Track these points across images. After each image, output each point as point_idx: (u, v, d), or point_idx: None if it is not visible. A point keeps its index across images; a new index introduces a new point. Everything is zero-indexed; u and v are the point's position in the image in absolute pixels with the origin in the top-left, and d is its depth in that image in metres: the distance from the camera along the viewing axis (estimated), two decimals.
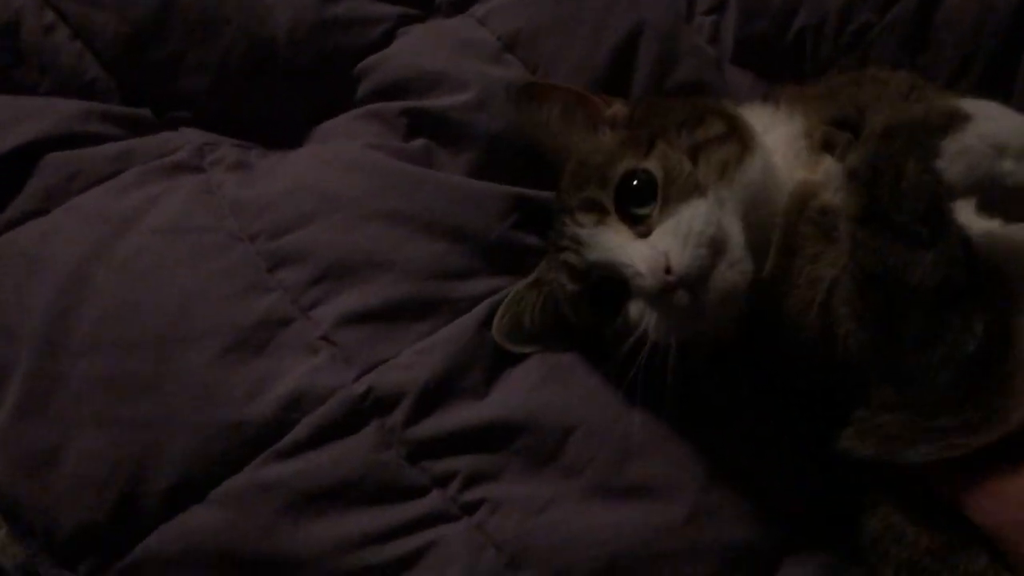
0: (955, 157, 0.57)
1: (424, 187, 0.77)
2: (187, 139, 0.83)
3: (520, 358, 0.74)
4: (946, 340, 0.57)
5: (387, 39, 0.83)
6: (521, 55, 0.82)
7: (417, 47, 0.82)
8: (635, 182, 0.66)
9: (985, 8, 0.78)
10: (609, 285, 0.67)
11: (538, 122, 0.74)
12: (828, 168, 0.67)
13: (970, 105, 0.59)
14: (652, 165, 0.67)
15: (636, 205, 0.66)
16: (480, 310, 0.74)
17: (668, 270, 0.62)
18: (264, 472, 0.69)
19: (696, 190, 0.65)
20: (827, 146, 0.68)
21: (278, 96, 0.84)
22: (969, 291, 0.57)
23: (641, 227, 0.66)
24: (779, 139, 0.70)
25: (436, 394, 0.71)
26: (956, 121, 0.57)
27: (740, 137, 0.68)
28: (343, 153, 0.78)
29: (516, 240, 0.77)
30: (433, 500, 0.70)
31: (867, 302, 0.59)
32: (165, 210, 0.76)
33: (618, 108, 0.75)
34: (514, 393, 0.72)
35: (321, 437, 0.70)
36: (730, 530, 0.69)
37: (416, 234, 0.75)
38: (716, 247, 0.63)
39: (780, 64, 0.83)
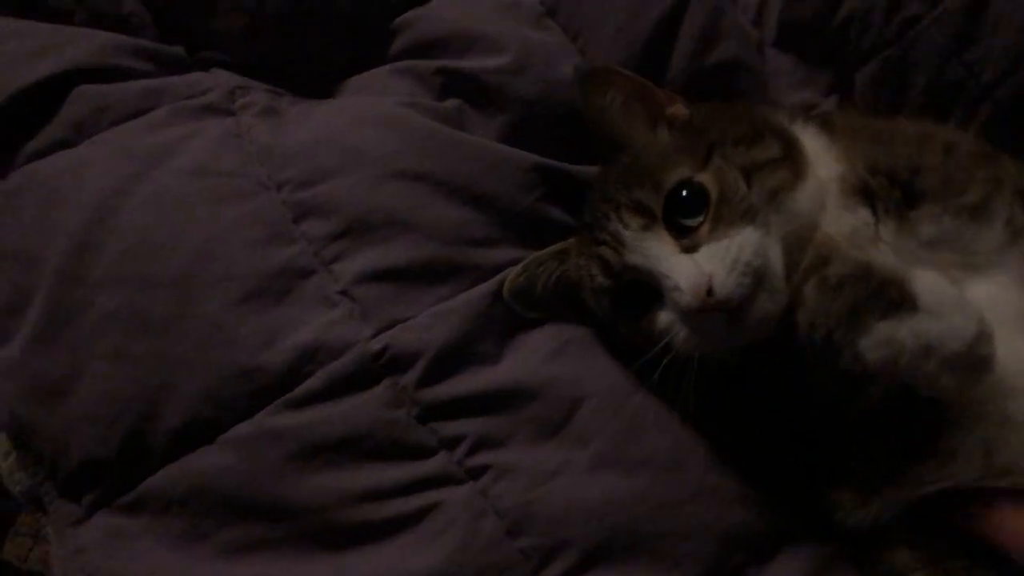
0: (881, 344, 0.59)
1: (455, 150, 0.76)
2: (218, 81, 0.82)
3: (536, 327, 0.74)
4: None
5: None
6: (562, 21, 0.81)
7: (457, 5, 0.81)
8: (687, 193, 0.66)
9: None
10: (640, 288, 0.68)
11: (599, 107, 0.73)
12: (857, 223, 0.67)
13: (927, 292, 0.59)
14: (707, 179, 0.66)
15: (685, 216, 0.66)
16: (500, 279, 0.74)
17: (710, 292, 0.62)
18: (274, 420, 0.70)
19: (748, 215, 0.65)
20: (863, 193, 0.68)
21: (313, 43, 0.83)
22: None
23: (687, 240, 0.66)
24: (825, 173, 0.70)
25: (451, 357, 0.71)
26: (903, 306, 0.59)
27: (794, 162, 0.68)
28: (375, 108, 0.77)
29: (542, 212, 0.77)
30: (439, 462, 0.70)
31: None
32: (193, 151, 0.76)
33: (679, 108, 0.74)
34: (528, 361, 0.72)
35: (333, 390, 0.70)
36: (731, 512, 0.69)
37: (443, 197, 0.75)
38: (759, 277, 0.63)
39: (823, 51, 0.81)
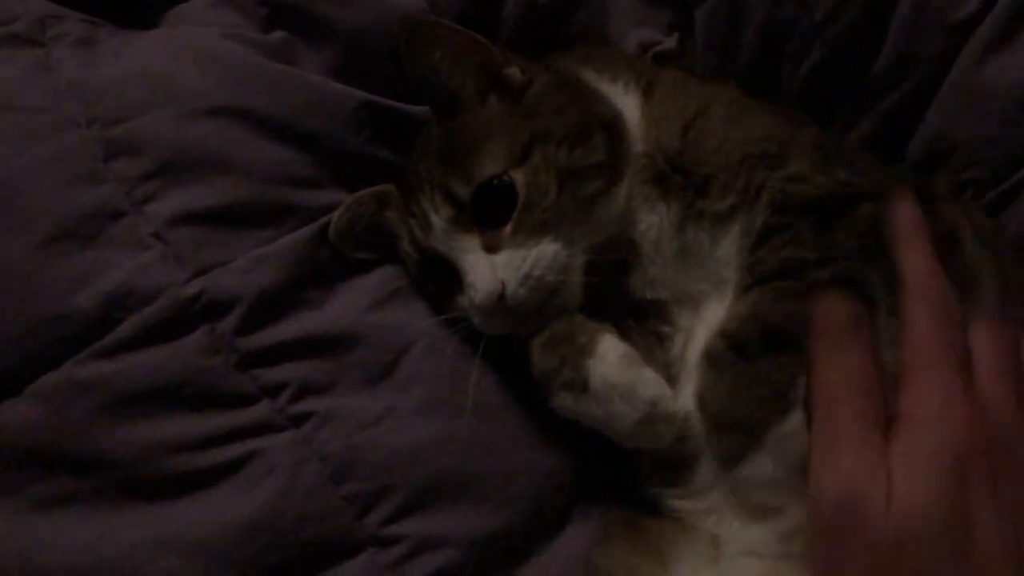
0: (564, 408, 0.64)
1: (278, 85, 0.73)
2: (28, 8, 0.76)
3: (363, 274, 0.72)
4: None
5: None
6: None
7: None
8: (496, 191, 0.65)
9: None
10: (445, 264, 0.68)
11: (427, 66, 0.68)
12: (652, 223, 0.67)
13: (597, 376, 0.62)
14: (519, 178, 0.65)
15: (493, 214, 0.65)
16: (324, 222, 0.71)
17: (502, 296, 0.63)
18: (84, 369, 0.66)
19: (551, 227, 0.64)
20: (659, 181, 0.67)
21: None
22: None
23: (491, 237, 0.65)
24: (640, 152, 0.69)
25: (272, 303, 0.69)
26: (576, 384, 0.63)
27: (615, 163, 0.67)
28: (195, 40, 0.73)
29: (370, 153, 0.74)
30: (260, 410, 0.68)
31: None
32: None
33: (515, 72, 0.70)
34: (353, 307, 0.70)
35: (146, 338, 0.67)
36: (550, 455, 0.69)
37: (263, 135, 0.71)
38: (554, 289, 0.64)
39: None
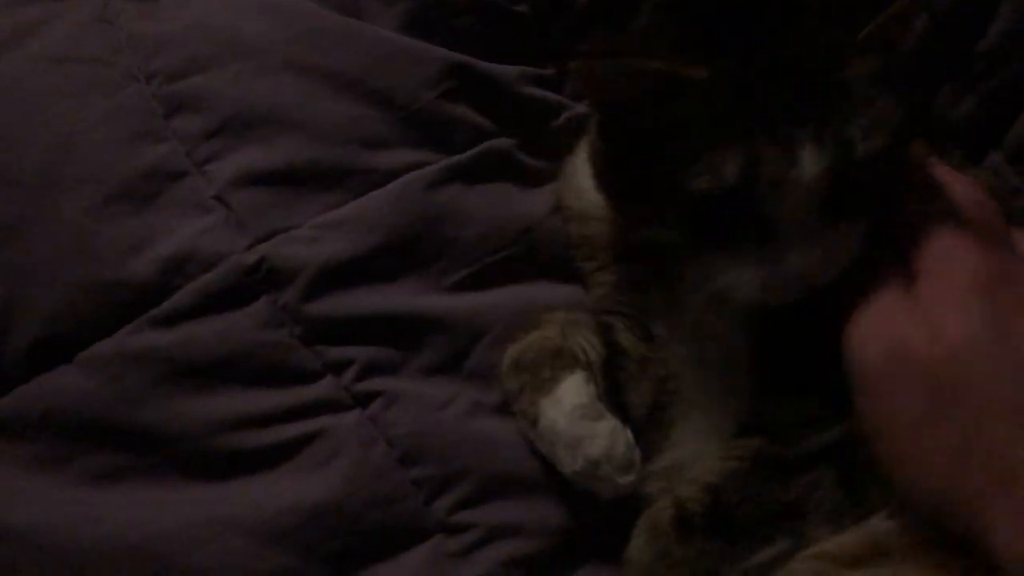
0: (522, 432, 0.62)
1: (348, 40, 0.68)
2: None
3: (446, 246, 0.67)
4: None
5: None
6: None
7: None
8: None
9: None
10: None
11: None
12: None
13: (545, 417, 0.61)
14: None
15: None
16: (396, 186, 0.67)
17: None
18: (138, 338, 0.63)
19: None
20: None
21: None
22: None
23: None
24: None
25: (339, 273, 0.64)
26: (528, 416, 0.61)
27: None
28: None
29: (444, 111, 0.69)
30: (324, 387, 0.64)
31: None
32: (55, 34, 0.69)
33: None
34: (432, 284, 0.66)
35: (205, 307, 0.63)
36: None
37: (332, 92, 0.67)
38: None
39: None
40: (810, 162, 0.51)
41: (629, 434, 0.61)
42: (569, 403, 0.60)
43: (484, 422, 0.64)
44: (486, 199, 0.69)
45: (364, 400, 0.64)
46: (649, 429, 0.64)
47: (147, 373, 0.62)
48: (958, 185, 0.57)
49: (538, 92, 0.72)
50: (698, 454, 0.61)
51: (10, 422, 0.63)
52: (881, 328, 0.53)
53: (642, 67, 0.53)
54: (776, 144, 0.51)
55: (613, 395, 0.65)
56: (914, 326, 0.51)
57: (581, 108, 0.73)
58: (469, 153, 0.69)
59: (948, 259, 0.53)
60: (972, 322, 0.50)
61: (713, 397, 0.62)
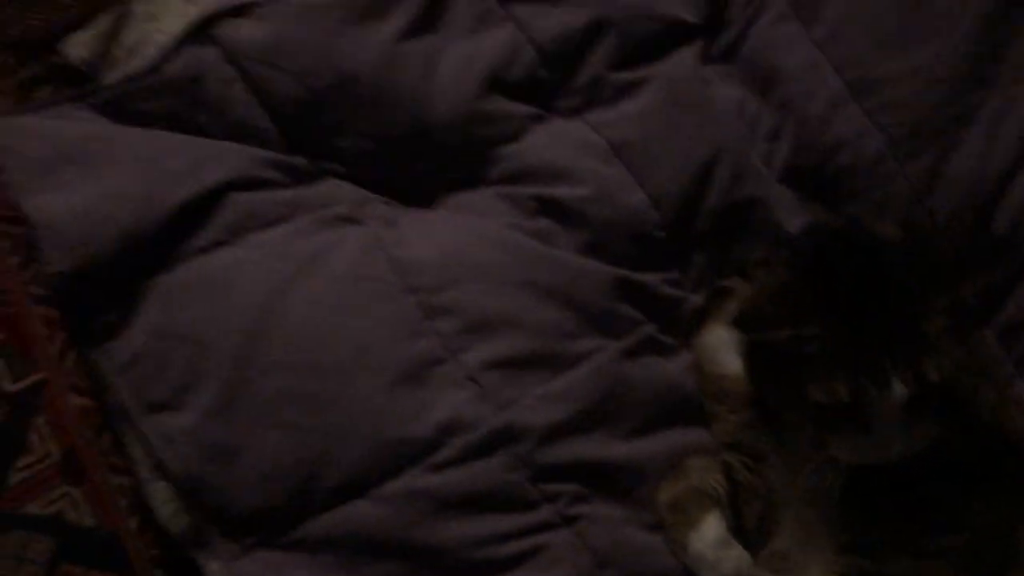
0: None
1: (548, 263, 0.97)
2: (344, 192, 0.99)
3: (619, 411, 0.95)
4: None
5: (520, 133, 1.02)
6: (625, 159, 1.02)
7: (545, 143, 1.01)
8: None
9: None
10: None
11: None
12: None
13: (692, 548, 0.88)
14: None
15: None
16: (586, 365, 0.95)
17: None
18: (418, 480, 0.89)
19: None
20: None
21: (424, 166, 1.01)
22: None
23: None
24: None
25: (556, 431, 0.92)
26: (676, 546, 0.90)
27: None
28: (487, 229, 0.97)
29: (612, 310, 0.98)
30: (544, 512, 0.91)
31: None
32: (341, 258, 0.94)
33: None
34: (617, 434, 0.94)
35: (465, 457, 0.90)
36: None
37: (541, 300, 0.95)
38: None
39: (820, 189, 1.06)
40: (898, 392, 0.81)
41: (749, 556, 0.89)
42: (710, 536, 0.88)
43: (649, 536, 0.92)
44: (644, 370, 0.97)
45: (571, 521, 0.91)
46: (759, 545, 0.91)
47: (421, 505, 0.88)
48: None
49: (672, 291, 1.01)
50: (805, 570, 0.89)
51: (316, 539, 0.88)
52: None
53: (779, 322, 0.83)
54: (876, 378, 0.81)
55: (734, 520, 0.92)
56: None
57: (698, 299, 1.02)
58: (630, 339, 0.98)
59: None
60: None
61: (816, 522, 0.90)
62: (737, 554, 0.88)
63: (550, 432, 0.92)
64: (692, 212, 1.01)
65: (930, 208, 1.03)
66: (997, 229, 1.04)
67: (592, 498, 0.92)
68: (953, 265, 0.91)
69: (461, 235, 0.97)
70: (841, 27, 1.06)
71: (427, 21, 1.01)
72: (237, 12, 0.99)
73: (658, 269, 1.01)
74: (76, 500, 0.96)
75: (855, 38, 1.05)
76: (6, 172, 0.93)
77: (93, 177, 0.92)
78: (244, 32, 0.98)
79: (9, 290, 1.00)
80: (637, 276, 1.00)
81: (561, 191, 0.99)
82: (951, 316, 0.83)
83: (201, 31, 0.98)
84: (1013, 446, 0.91)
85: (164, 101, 0.97)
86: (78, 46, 1.04)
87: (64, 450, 0.97)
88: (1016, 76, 1.05)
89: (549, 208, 0.99)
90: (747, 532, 0.91)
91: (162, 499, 0.92)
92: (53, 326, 0.99)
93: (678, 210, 1.01)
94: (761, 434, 0.93)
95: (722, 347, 0.95)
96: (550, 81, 1.03)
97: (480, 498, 0.89)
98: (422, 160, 1.01)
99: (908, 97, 1.03)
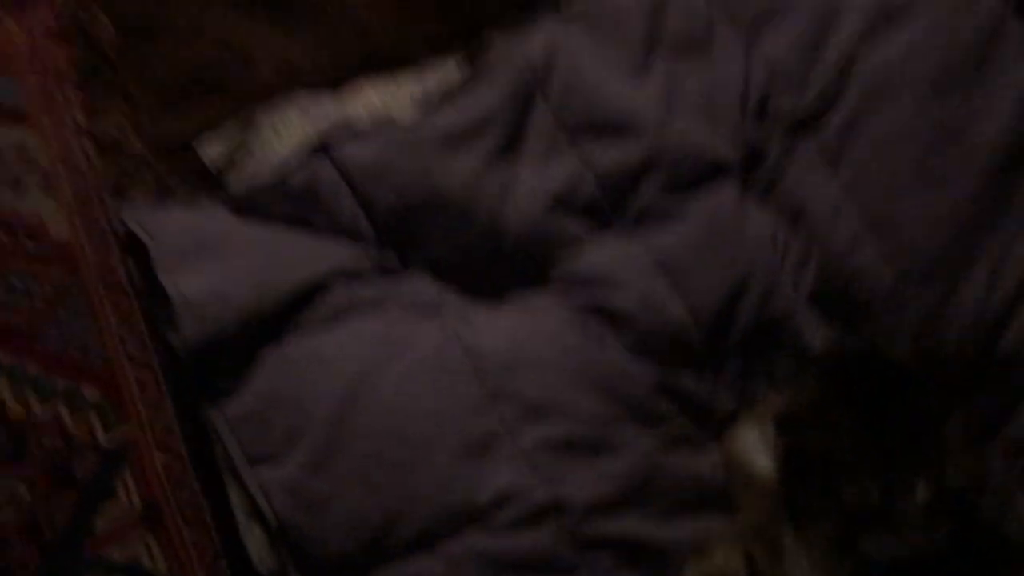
0: None
1: (598, 359, 1.13)
2: (426, 287, 1.17)
3: (659, 493, 1.10)
4: None
5: (578, 246, 1.18)
6: (668, 275, 1.18)
7: (599, 256, 1.17)
8: None
9: None
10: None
11: None
12: None
13: None
14: None
15: None
16: (629, 452, 1.10)
17: None
18: (475, 541, 1.04)
19: None
20: None
21: (496, 269, 1.18)
22: None
23: None
24: None
25: (599, 508, 1.06)
26: None
27: None
28: (547, 326, 1.14)
29: (656, 406, 1.13)
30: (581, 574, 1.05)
31: None
32: (422, 344, 1.11)
33: None
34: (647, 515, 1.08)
35: (517, 524, 1.05)
36: None
37: (589, 392, 1.11)
38: None
39: (841, 312, 1.21)
40: (922, 495, 0.95)
41: None
42: None
43: None
44: (677, 460, 1.12)
45: None
46: None
47: (478, 565, 1.03)
48: None
49: (706, 392, 1.16)
50: None
51: None
52: None
53: (815, 431, 0.98)
54: (903, 483, 0.95)
55: None
56: None
57: (730, 402, 1.16)
58: (667, 432, 1.13)
59: None
60: None
61: None
62: None
63: (592, 508, 1.06)
64: (726, 325, 1.16)
65: (939, 335, 1.17)
66: (1001, 353, 1.18)
67: (625, 570, 1.05)
68: (963, 385, 1.05)
69: (524, 330, 1.14)
70: (865, 172, 1.22)
71: (507, 150, 1.19)
72: (348, 134, 1.18)
73: (695, 372, 1.16)
74: (152, 548, 1.11)
75: (876, 183, 1.22)
76: (151, 253, 1.11)
77: (223, 263, 1.11)
78: (354, 151, 1.17)
79: (108, 352, 1.18)
80: (676, 377, 1.15)
81: (611, 298, 1.15)
82: (966, 430, 0.96)
83: (317, 149, 1.17)
84: (1014, 552, 1.03)
85: (284, 204, 1.16)
86: (212, 147, 1.25)
87: (145, 502, 1.12)
88: (1020, 225, 1.21)
89: (600, 312, 1.15)
90: None
91: (255, 542, 1.07)
92: (144, 387, 1.17)
93: (714, 322, 1.16)
94: (784, 528, 1.05)
95: (752, 448, 1.10)
96: (606, 204, 1.20)
97: (528, 563, 1.04)
98: (494, 264, 1.18)
99: (921, 238, 1.19)
